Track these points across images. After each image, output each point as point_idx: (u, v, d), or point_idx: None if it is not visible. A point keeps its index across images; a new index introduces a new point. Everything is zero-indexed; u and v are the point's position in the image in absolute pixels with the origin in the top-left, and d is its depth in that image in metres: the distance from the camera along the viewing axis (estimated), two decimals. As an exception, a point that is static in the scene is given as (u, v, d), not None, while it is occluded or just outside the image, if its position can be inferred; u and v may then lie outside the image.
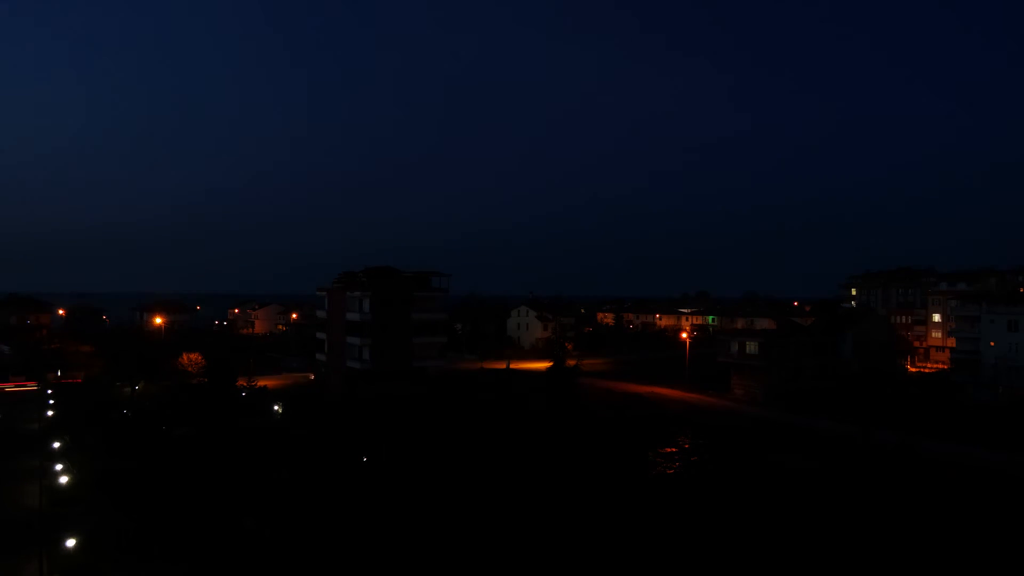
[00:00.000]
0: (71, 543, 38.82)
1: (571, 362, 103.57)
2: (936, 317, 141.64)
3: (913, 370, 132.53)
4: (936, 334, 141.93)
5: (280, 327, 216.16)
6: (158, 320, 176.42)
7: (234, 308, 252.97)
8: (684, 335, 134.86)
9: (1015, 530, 45.83)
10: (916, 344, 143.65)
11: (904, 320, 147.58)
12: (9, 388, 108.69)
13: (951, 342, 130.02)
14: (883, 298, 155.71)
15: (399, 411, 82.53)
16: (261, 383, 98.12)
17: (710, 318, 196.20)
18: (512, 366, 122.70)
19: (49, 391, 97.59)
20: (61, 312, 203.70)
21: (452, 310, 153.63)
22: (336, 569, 39.95)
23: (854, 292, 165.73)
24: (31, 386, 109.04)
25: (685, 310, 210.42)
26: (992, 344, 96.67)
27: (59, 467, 55.78)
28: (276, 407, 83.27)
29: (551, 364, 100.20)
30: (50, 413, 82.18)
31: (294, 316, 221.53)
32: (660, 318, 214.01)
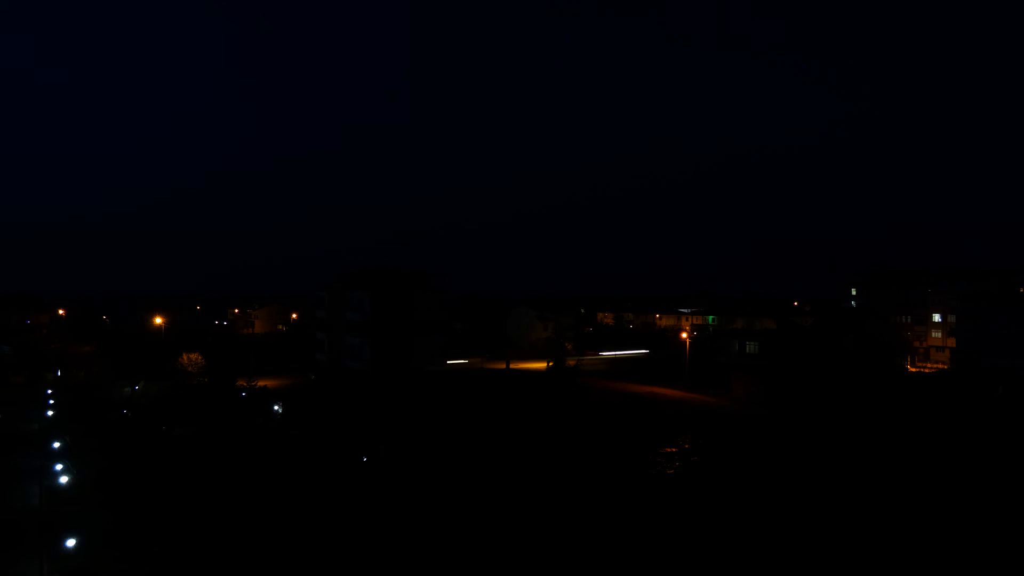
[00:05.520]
0: (71, 543, 38.80)
1: (571, 362, 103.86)
2: (936, 317, 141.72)
3: (913, 370, 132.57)
4: (936, 334, 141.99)
5: (280, 327, 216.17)
6: (158, 320, 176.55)
7: (234, 308, 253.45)
8: (684, 335, 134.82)
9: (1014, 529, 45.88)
10: (916, 344, 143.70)
11: (904, 320, 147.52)
12: None
13: (951, 342, 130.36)
14: (883, 298, 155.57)
15: (399, 411, 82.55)
16: (261, 383, 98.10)
17: (710, 318, 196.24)
18: (512, 366, 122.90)
19: (49, 391, 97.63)
20: (61, 312, 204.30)
21: (452, 310, 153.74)
22: (335, 570, 39.94)
23: (854, 292, 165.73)
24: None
25: (685, 310, 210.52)
26: (992, 344, 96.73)
27: (59, 467, 55.80)
28: (276, 407, 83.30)
29: (551, 364, 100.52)
30: (50, 413, 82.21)
31: (294, 316, 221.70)
32: (660, 318, 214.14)
